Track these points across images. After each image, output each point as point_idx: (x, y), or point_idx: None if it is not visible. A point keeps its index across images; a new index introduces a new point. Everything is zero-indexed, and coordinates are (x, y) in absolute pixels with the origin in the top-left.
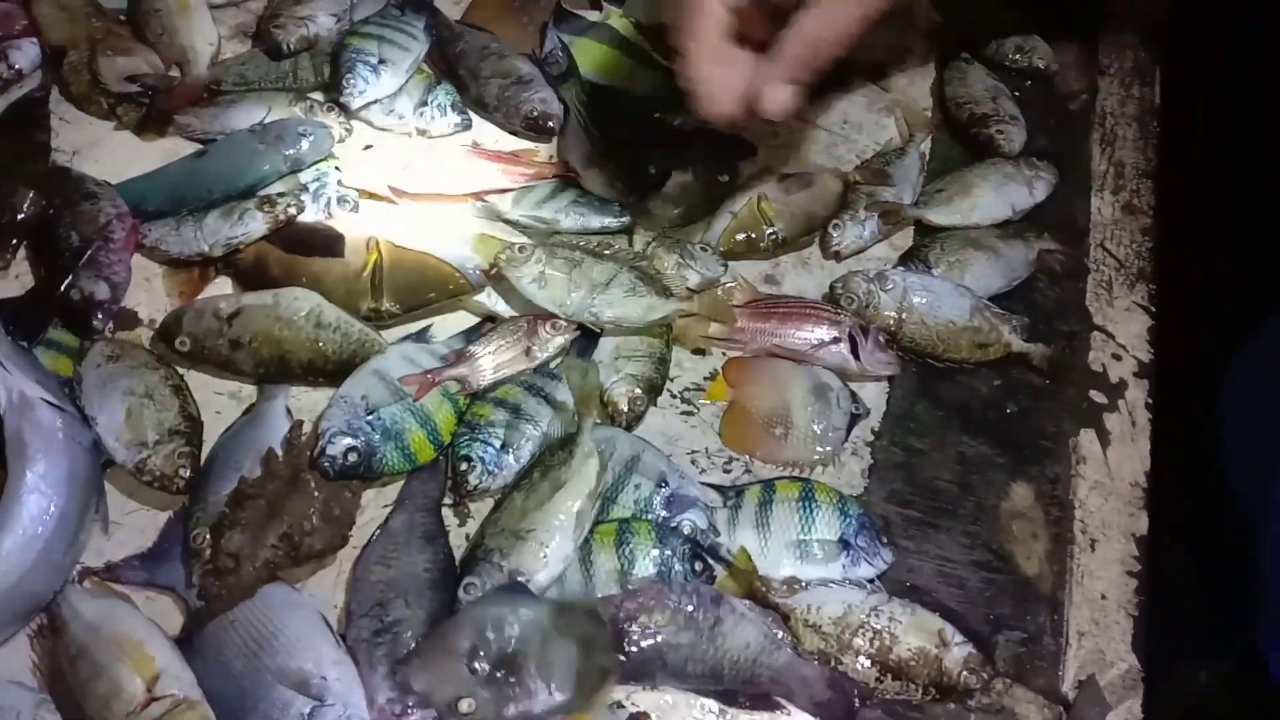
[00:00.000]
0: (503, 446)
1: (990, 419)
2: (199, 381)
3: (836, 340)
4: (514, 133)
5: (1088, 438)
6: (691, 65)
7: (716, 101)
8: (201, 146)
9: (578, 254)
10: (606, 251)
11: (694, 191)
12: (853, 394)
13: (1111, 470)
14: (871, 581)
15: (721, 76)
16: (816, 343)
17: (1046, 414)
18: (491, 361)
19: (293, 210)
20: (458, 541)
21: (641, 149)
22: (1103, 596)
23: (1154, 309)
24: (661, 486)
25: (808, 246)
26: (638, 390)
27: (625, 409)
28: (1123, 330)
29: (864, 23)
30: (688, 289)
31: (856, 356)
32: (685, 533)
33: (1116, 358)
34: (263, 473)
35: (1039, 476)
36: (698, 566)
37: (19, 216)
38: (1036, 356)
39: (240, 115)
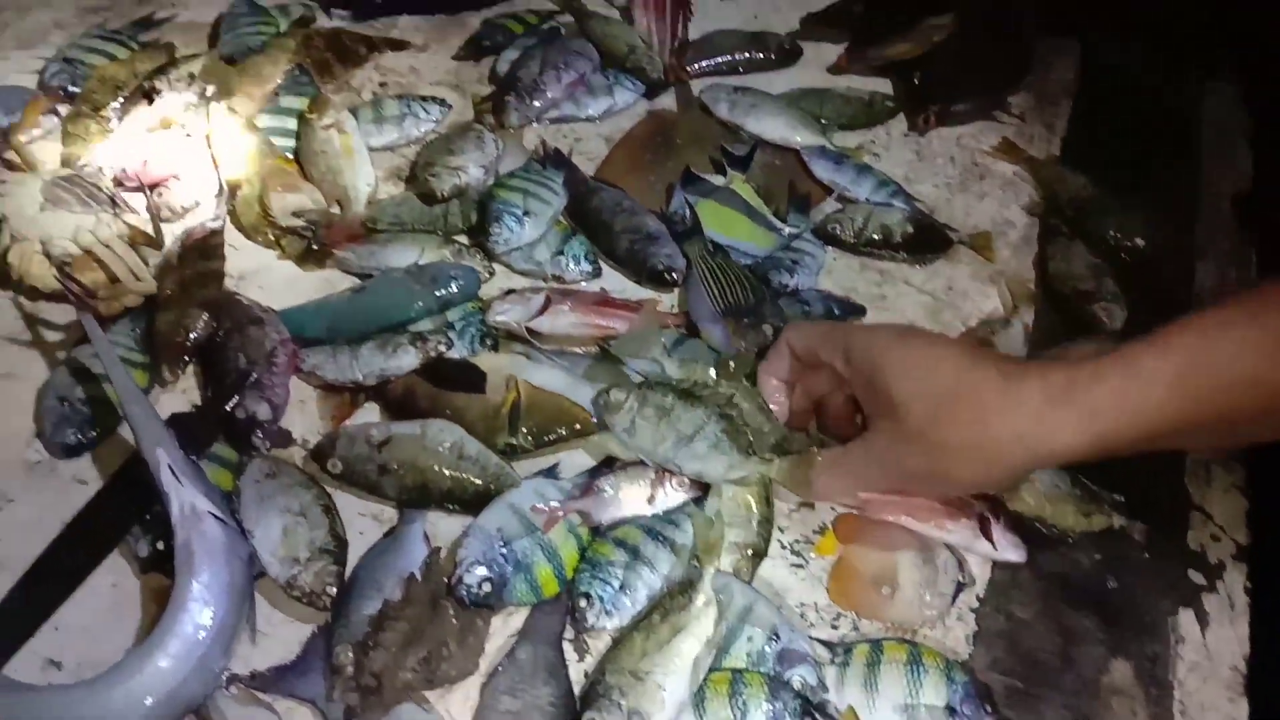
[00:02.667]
0: (621, 587)
1: (1091, 592)
2: (343, 501)
3: (967, 519)
4: (639, 282)
5: (1187, 618)
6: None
7: None
8: (358, 280)
9: (670, 399)
10: (703, 392)
11: None
12: (960, 562)
13: (1210, 652)
14: None
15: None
16: (946, 520)
17: (1146, 591)
18: (615, 500)
19: (442, 348)
20: (574, 675)
21: (758, 307)
22: None
23: (1251, 491)
24: (774, 640)
25: None
26: (740, 558)
27: None
28: (1221, 511)
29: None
30: (769, 453)
31: (988, 537)
32: (796, 688)
33: (1215, 538)
34: (404, 597)
35: (1138, 654)
36: None
37: (191, 336)
38: (1137, 533)
39: (394, 254)
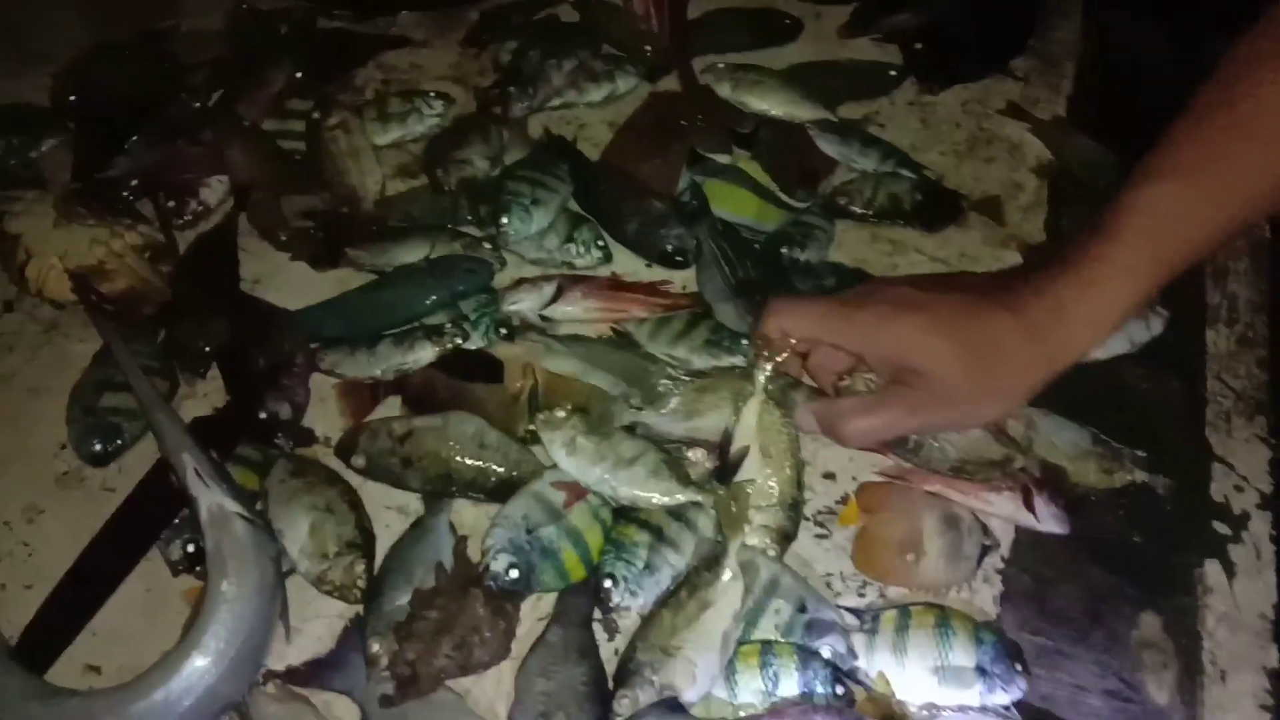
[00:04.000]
0: (645, 567)
1: (1116, 549)
2: (368, 494)
3: (1010, 491)
4: (650, 265)
5: (1213, 569)
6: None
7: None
8: (373, 277)
9: (617, 433)
10: (640, 431)
11: None
12: (984, 526)
13: (1238, 602)
14: (1007, 709)
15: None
16: (989, 493)
17: (1171, 545)
18: None
19: (459, 340)
20: (605, 655)
21: (769, 283)
22: None
23: (1274, 441)
24: (801, 611)
25: None
26: (769, 541)
27: None
28: (1243, 462)
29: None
30: (706, 485)
31: (1030, 509)
32: (826, 656)
33: (1238, 489)
34: (434, 586)
35: (1166, 607)
36: (839, 690)
37: (210, 341)
38: (1160, 487)
39: (405, 251)
